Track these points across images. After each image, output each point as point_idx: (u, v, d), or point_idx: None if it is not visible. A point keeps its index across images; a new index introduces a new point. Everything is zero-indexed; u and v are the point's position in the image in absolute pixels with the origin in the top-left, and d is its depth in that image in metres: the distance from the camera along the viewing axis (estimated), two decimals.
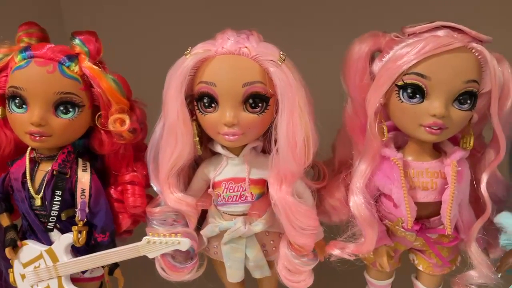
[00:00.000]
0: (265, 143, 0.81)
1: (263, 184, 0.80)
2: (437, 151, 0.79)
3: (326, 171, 0.88)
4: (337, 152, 0.90)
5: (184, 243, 0.76)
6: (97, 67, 0.78)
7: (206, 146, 0.83)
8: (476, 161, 0.82)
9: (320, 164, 0.89)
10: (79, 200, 0.80)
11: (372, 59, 0.78)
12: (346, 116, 0.84)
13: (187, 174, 0.85)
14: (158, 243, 0.76)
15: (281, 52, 0.74)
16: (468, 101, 0.71)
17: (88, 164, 0.82)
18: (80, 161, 0.82)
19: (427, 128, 0.72)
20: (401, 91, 0.72)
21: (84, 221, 0.81)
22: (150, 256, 0.77)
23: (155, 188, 0.83)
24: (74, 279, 0.84)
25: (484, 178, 0.78)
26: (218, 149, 0.80)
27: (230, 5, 1.20)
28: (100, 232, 0.82)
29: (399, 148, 0.80)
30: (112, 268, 0.84)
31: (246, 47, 0.73)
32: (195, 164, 0.86)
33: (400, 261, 0.89)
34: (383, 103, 0.76)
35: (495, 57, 0.74)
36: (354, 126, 0.82)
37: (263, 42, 0.75)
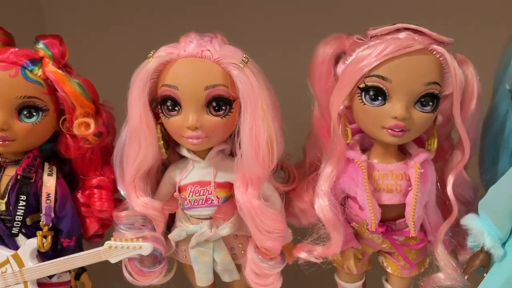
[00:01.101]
0: (233, 146, 0.81)
1: (230, 187, 0.80)
2: (403, 153, 0.79)
3: (296, 174, 0.88)
4: (308, 155, 0.90)
5: (146, 248, 0.76)
6: (61, 71, 0.77)
7: (174, 150, 0.83)
8: (444, 162, 0.82)
9: (290, 167, 0.88)
10: (44, 204, 0.79)
11: (337, 61, 0.78)
12: (314, 118, 0.83)
13: (156, 178, 0.85)
14: (120, 247, 0.76)
15: (244, 55, 0.74)
16: (430, 103, 0.71)
17: (54, 168, 0.82)
18: (46, 165, 0.82)
19: (389, 130, 0.72)
20: (363, 93, 0.72)
21: (50, 226, 0.80)
22: (112, 260, 0.77)
23: (122, 192, 0.83)
24: (41, 284, 0.84)
25: (450, 180, 0.78)
26: (184, 152, 0.80)
27: (202, 7, 1.20)
28: (66, 237, 0.81)
29: (365, 150, 0.80)
30: (79, 272, 0.84)
31: (209, 50, 0.72)
32: (164, 167, 0.86)
33: (370, 263, 0.88)
34: (348, 105, 0.76)
35: (458, 59, 0.74)
36: (321, 128, 0.82)
37: (227, 45, 0.75)
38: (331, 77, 0.77)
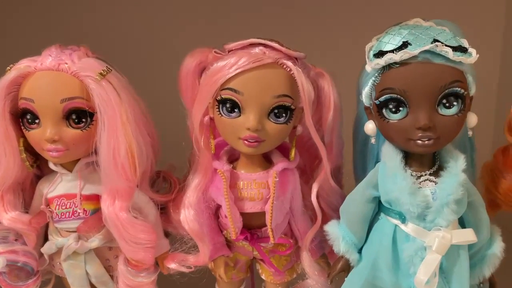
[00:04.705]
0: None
1: (99, 199, 0.80)
2: (268, 162, 0.81)
3: (177, 185, 0.89)
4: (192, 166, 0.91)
5: None
6: None
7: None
8: None
9: (173, 177, 0.89)
10: None
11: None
12: (190, 129, 0.85)
13: (31, 191, 0.84)
14: None
15: (104, 68, 0.75)
16: (284, 115, 0.73)
17: None
18: None
19: (245, 141, 0.73)
20: (220, 105, 0.74)
21: None
22: None
23: None
24: None
25: (314, 188, 0.80)
26: (51, 165, 0.79)
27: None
28: None
29: (235, 160, 0.82)
30: None
31: (66, 63, 0.73)
32: (38, 180, 0.85)
33: (249, 271, 0.90)
34: (212, 117, 0.77)
35: (315, 72, 0.77)
36: None
37: (88, 58, 0.76)
38: (196, 89, 0.78)
